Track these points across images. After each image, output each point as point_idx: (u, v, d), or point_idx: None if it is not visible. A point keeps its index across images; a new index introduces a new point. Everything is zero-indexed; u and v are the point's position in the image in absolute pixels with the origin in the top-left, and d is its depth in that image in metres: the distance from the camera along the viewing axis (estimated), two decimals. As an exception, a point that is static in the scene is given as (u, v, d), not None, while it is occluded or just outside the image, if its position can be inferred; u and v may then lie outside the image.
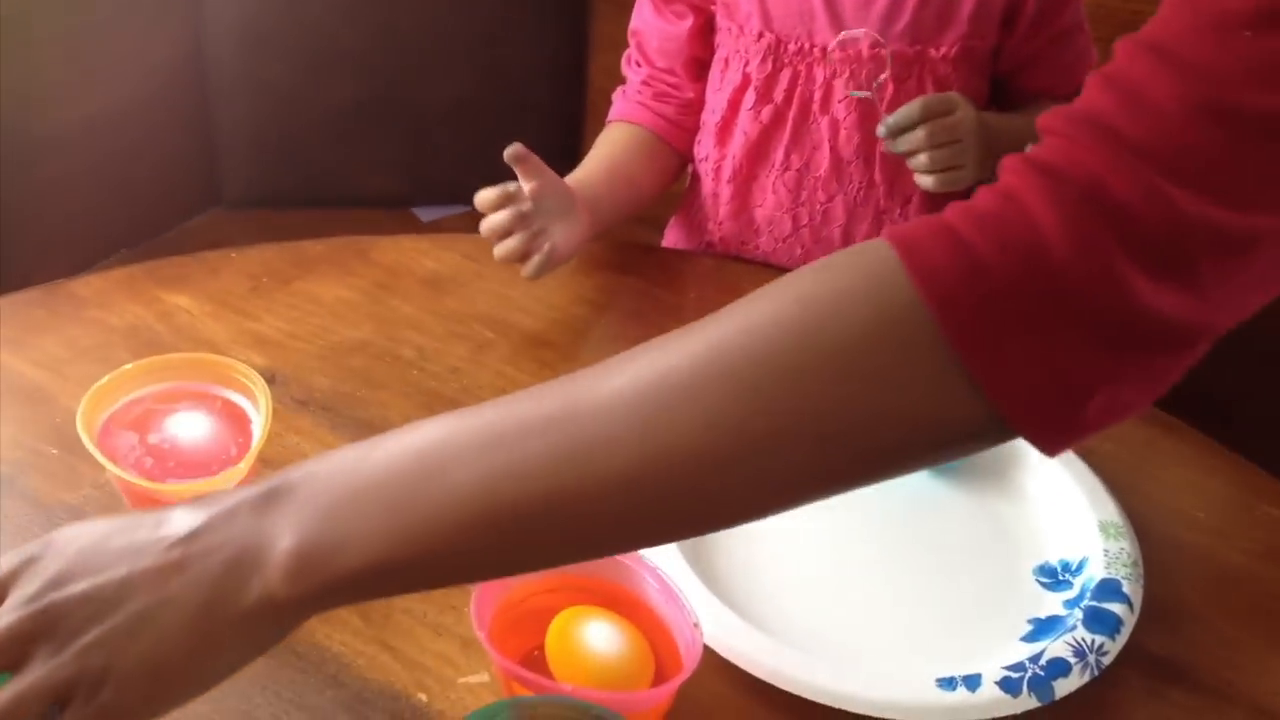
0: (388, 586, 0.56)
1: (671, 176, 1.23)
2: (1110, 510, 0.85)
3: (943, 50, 1.08)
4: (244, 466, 0.79)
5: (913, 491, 0.90)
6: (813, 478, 0.54)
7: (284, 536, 0.53)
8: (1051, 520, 0.87)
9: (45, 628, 0.54)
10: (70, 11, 1.75)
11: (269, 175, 2.01)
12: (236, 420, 0.83)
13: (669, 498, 0.53)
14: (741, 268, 1.17)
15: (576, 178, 1.12)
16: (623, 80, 1.24)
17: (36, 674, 0.53)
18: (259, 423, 0.82)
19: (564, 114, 1.98)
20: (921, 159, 1.01)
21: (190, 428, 0.82)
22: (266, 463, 0.88)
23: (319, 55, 1.94)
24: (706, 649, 0.74)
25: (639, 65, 1.21)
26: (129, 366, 0.83)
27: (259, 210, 2.00)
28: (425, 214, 2.02)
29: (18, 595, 0.54)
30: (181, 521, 0.55)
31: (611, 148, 1.18)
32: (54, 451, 0.88)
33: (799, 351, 0.52)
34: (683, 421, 0.51)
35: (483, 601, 0.71)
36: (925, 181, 1.02)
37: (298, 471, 0.55)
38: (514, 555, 0.56)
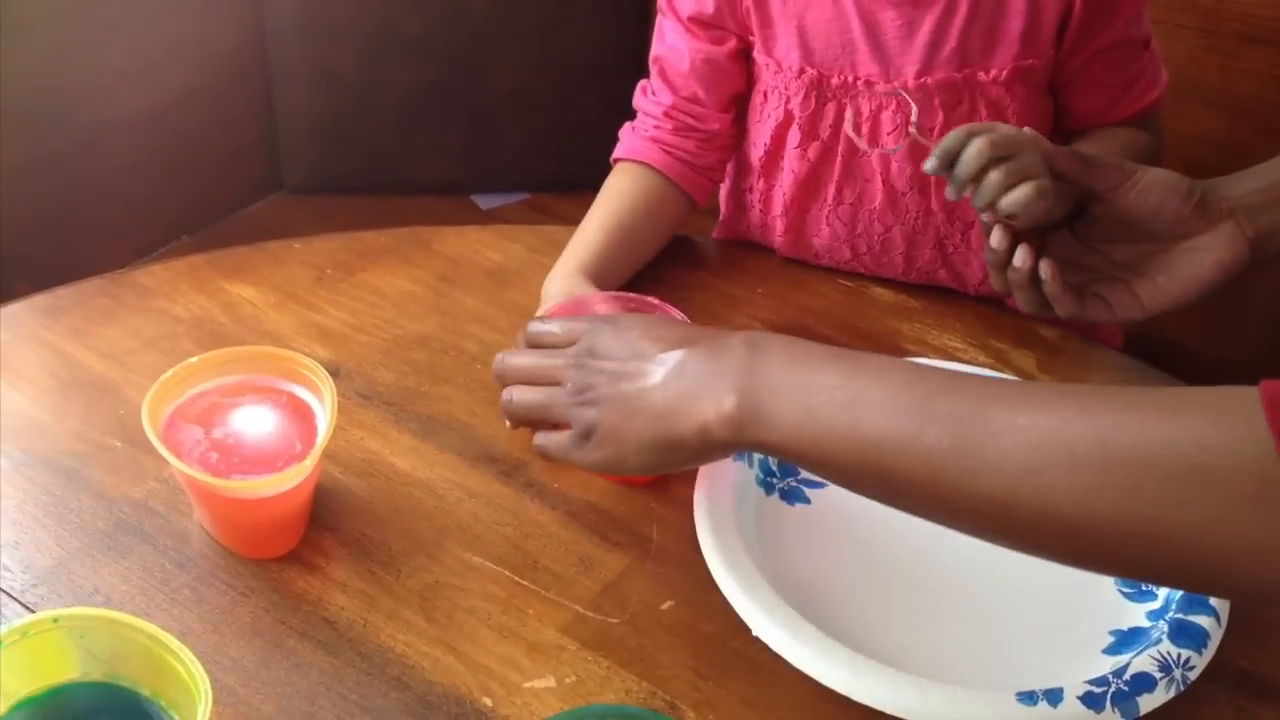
0: (801, 466, 0.71)
1: (678, 225, 1.14)
2: (1196, 519, 0.82)
3: (993, 73, 1.03)
4: (309, 463, 0.78)
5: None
6: (1134, 572, 0.69)
7: (737, 381, 0.69)
8: (1134, 528, 0.85)
9: (573, 377, 0.76)
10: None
11: (330, 161, 2.01)
12: (302, 415, 0.82)
13: (1006, 530, 0.64)
14: (808, 267, 1.14)
15: (588, 248, 1.04)
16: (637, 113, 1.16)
17: (557, 402, 0.77)
18: (324, 418, 0.81)
19: (624, 102, 1.96)
20: (983, 188, 0.88)
21: (256, 422, 0.81)
22: (331, 458, 0.88)
23: (381, 42, 1.93)
24: (782, 660, 0.73)
25: (659, 93, 1.13)
26: (194, 360, 0.82)
27: (320, 196, 1.99)
28: (485, 201, 2.01)
29: (573, 350, 0.77)
30: (686, 337, 0.73)
31: (622, 203, 1.08)
32: (118, 444, 0.88)
33: (1183, 485, 0.57)
34: (1059, 489, 0.60)
35: None
36: (1003, 203, 0.87)
37: (769, 335, 0.72)
38: (877, 494, 0.68)
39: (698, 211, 1.15)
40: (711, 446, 0.72)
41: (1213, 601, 0.76)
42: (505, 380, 0.80)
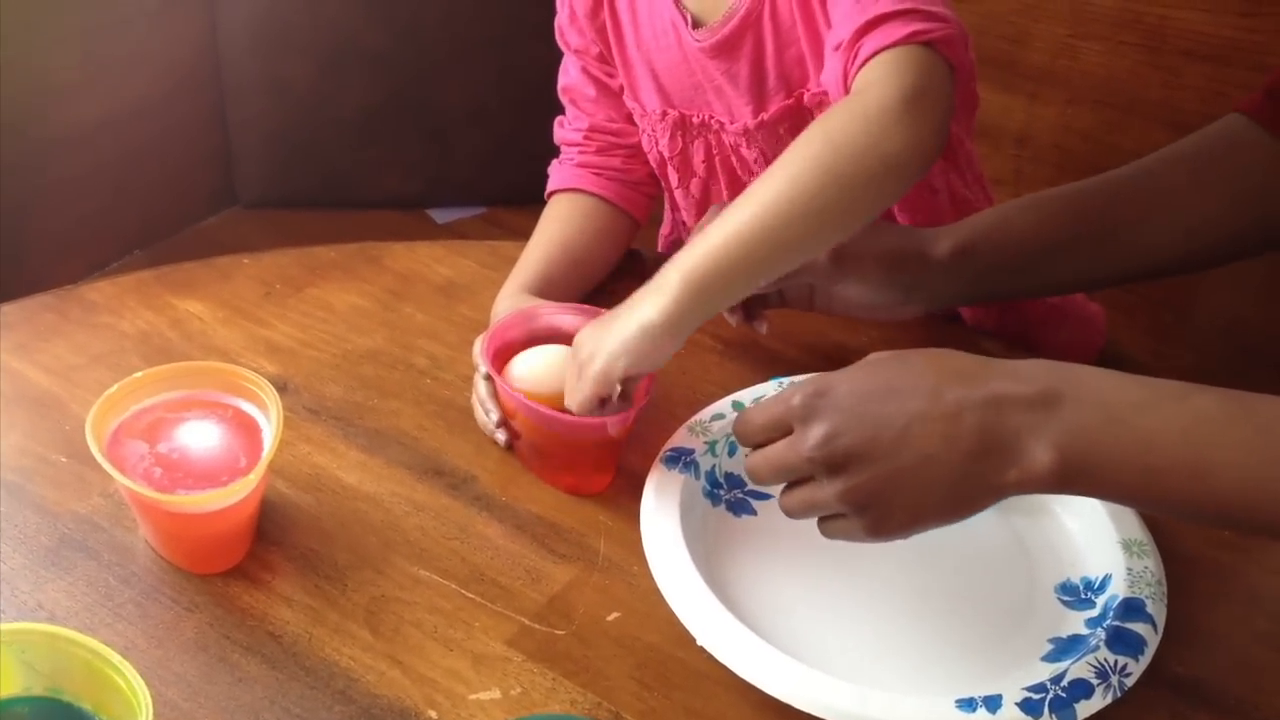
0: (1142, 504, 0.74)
1: (625, 242, 1.14)
2: (1134, 527, 0.84)
3: (816, 89, 1.02)
4: (254, 477, 0.78)
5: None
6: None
7: (1049, 440, 0.67)
8: (1073, 537, 0.86)
9: (824, 466, 0.70)
10: (84, 11, 1.74)
11: (285, 176, 2.00)
12: (247, 429, 0.82)
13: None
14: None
15: (532, 268, 1.03)
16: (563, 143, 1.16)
17: (814, 494, 0.72)
18: (269, 432, 0.81)
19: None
20: None
21: (200, 437, 0.81)
22: (279, 473, 0.88)
23: (335, 55, 1.93)
24: (726, 670, 0.73)
25: (576, 120, 1.14)
26: (139, 374, 0.82)
27: (274, 211, 1.99)
28: (441, 215, 2.01)
29: (808, 435, 0.70)
30: (951, 397, 0.68)
31: (563, 226, 1.09)
32: (63, 460, 0.88)
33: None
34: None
35: (489, 347, 0.90)
36: None
37: (1068, 379, 0.68)
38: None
39: (643, 227, 1.16)
40: (1011, 495, 0.70)
41: (1150, 609, 0.78)
42: (761, 482, 0.77)
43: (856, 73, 0.89)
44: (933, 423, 0.68)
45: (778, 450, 0.73)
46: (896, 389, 0.70)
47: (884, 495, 0.69)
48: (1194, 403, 0.68)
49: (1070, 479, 0.67)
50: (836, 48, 0.91)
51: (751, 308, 0.98)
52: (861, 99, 0.87)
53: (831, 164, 0.84)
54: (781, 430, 0.73)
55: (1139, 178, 1.03)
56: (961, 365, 0.71)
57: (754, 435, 0.75)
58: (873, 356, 0.74)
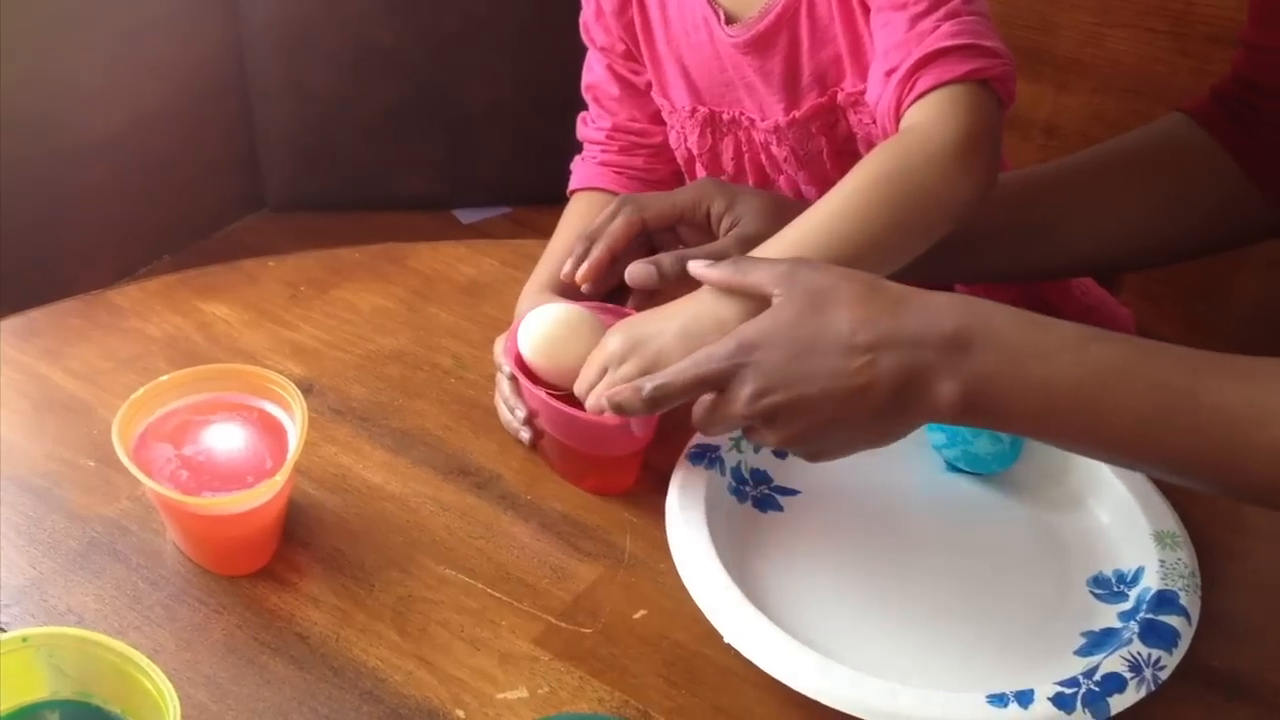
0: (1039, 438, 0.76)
1: None
2: (1167, 519, 0.83)
3: (851, 89, 1.00)
4: (280, 478, 0.78)
5: (963, 501, 0.87)
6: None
7: (956, 380, 0.72)
8: (1105, 530, 0.85)
9: (762, 421, 0.75)
10: (110, 18, 1.75)
11: (311, 178, 2.01)
12: (272, 431, 0.82)
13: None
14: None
15: (555, 266, 1.00)
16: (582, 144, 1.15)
17: (755, 436, 0.77)
18: (295, 434, 0.81)
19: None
20: None
21: (226, 439, 0.82)
22: (304, 474, 0.88)
23: (359, 57, 1.94)
24: (753, 667, 0.73)
25: (599, 119, 1.13)
26: (165, 378, 0.83)
27: (300, 214, 2.00)
28: (465, 216, 2.01)
29: (740, 395, 0.75)
30: (864, 340, 0.72)
31: (585, 224, 1.04)
32: (91, 464, 0.88)
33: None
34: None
35: (511, 346, 0.90)
36: None
37: (979, 323, 0.72)
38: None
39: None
40: (923, 424, 0.76)
41: (1183, 601, 0.77)
42: (711, 434, 0.81)
43: (910, 105, 0.89)
44: (850, 376, 0.73)
45: (718, 407, 0.77)
46: (816, 343, 0.73)
47: (815, 438, 0.76)
48: (1092, 351, 0.72)
49: (972, 414, 0.73)
50: (889, 73, 0.90)
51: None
52: (922, 140, 0.86)
53: (891, 204, 0.85)
54: (710, 388, 0.77)
55: (1073, 172, 1.01)
56: (880, 304, 0.74)
57: (677, 397, 0.78)
58: (790, 298, 0.75)
